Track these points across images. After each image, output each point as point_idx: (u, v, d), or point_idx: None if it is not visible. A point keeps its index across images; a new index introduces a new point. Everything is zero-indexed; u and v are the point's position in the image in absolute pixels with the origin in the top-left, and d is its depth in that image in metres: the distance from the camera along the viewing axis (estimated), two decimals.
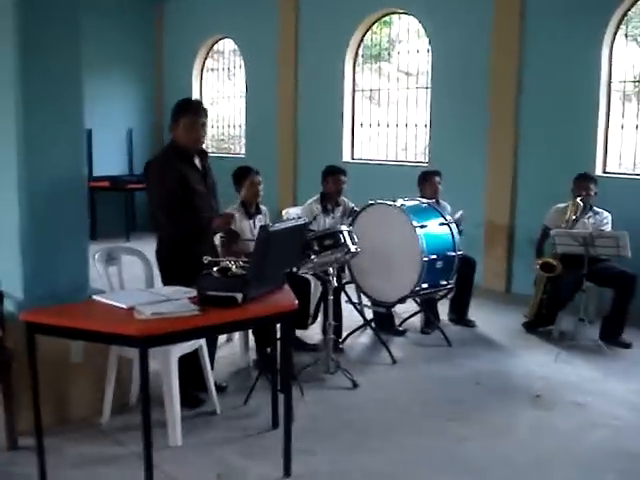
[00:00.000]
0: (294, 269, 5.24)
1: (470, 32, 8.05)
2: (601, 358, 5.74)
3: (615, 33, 7.22)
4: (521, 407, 4.81)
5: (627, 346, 6.05)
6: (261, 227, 3.51)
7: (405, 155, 9.41)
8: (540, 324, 6.44)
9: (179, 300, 3.62)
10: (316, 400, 4.84)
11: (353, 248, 5.12)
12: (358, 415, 4.66)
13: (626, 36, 7.35)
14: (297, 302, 3.75)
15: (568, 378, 5.34)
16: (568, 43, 7.32)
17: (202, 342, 4.47)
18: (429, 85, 8.66)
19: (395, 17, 9.43)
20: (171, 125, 4.59)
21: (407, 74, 9.66)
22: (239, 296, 3.49)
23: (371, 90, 9.68)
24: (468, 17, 8.06)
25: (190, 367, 4.48)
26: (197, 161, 4.65)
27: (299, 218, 4.33)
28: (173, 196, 4.42)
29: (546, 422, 4.58)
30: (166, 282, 4.46)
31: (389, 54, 9.78)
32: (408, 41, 9.31)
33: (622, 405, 4.83)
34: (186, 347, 4.30)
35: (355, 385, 5.07)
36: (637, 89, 7.55)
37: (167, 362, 4.14)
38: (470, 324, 6.64)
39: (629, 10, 7.20)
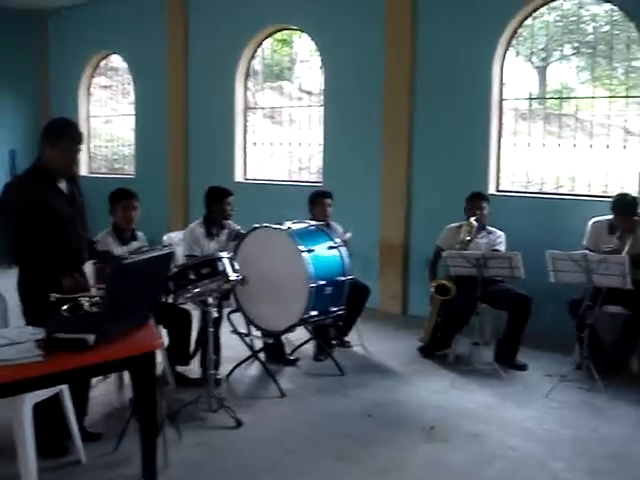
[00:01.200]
0: (172, 300, 4.86)
1: (363, 49, 7.87)
2: (497, 382, 5.56)
3: (506, 51, 7.16)
4: (415, 440, 4.55)
5: (522, 368, 5.92)
6: (114, 259, 3.12)
7: (305, 175, 9.14)
8: (436, 348, 6.24)
9: (25, 343, 3.18)
10: (195, 443, 4.45)
11: (233, 276, 4.76)
12: (240, 459, 4.29)
13: (517, 54, 7.31)
14: (175, 336, 3.36)
15: (464, 405, 5.13)
16: (460, 60, 7.22)
17: (63, 385, 4.01)
18: (322, 103, 8.42)
19: (296, 36, 9.19)
20: (43, 146, 4.07)
21: (307, 93, 9.44)
22: (91, 338, 3.08)
23: (272, 108, 9.38)
24: (360, 33, 7.87)
25: (50, 413, 4.01)
26: (63, 184, 4.19)
27: (167, 246, 3.94)
28: (31, 223, 3.96)
29: (441, 456, 4.33)
30: (29, 320, 3.98)
31: (289, 73, 9.55)
32: (308, 60, 9.10)
33: (519, 434, 4.63)
34: (41, 393, 3.84)
35: (239, 424, 4.69)
36: (530, 107, 7.49)
37: (18, 411, 3.66)
38: (347, 345, 6.44)
39: (518, 29, 7.15)
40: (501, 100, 7.21)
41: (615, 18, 7.07)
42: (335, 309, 5.64)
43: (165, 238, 6.24)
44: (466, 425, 4.77)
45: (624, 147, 6.87)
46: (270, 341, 5.74)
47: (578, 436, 4.62)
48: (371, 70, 7.79)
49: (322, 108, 8.41)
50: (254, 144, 9.36)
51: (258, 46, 9.14)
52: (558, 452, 4.37)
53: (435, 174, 7.47)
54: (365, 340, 6.50)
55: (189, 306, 5.33)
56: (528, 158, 7.30)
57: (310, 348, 6.16)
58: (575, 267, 5.31)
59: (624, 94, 7.16)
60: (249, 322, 5.70)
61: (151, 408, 3.52)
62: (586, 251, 5.52)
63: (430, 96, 7.45)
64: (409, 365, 6.03)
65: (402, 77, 7.54)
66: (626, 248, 5.52)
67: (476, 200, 6.38)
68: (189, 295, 4.67)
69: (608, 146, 6.92)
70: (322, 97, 8.47)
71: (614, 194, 6.20)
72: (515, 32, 7.15)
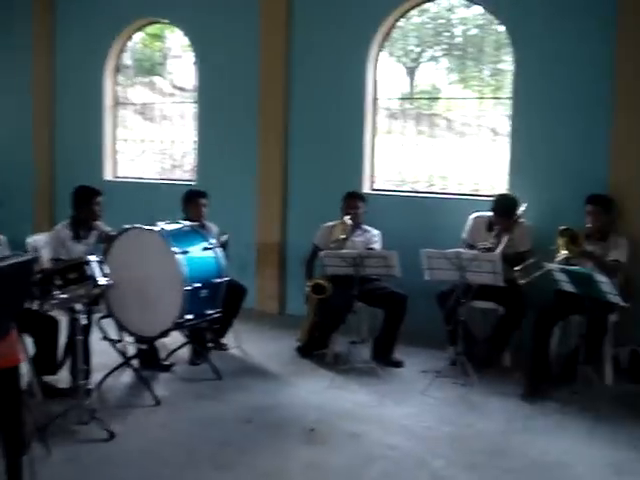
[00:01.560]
0: (38, 307, 4.58)
1: (237, 46, 7.73)
2: (375, 380, 5.59)
3: (379, 51, 7.21)
4: (295, 444, 4.48)
5: (399, 365, 5.98)
6: None
7: (178, 173, 8.88)
8: (314, 348, 6.20)
9: None
10: (65, 459, 4.19)
11: (103, 281, 4.53)
12: (114, 474, 4.08)
13: (389, 55, 7.38)
14: (41, 345, 3.12)
15: (343, 405, 5.11)
16: (335, 59, 7.22)
17: None
18: (196, 100, 8.21)
19: (168, 31, 8.91)
20: None
21: (180, 89, 9.19)
22: None
23: (144, 104, 9.06)
24: (235, 30, 7.73)
25: None
26: None
27: (29, 251, 3.69)
28: None
29: (321, 458, 4.29)
30: None
31: (161, 68, 9.26)
32: (181, 55, 8.85)
33: (398, 432, 4.65)
34: None
35: (112, 436, 4.47)
36: (401, 107, 7.59)
37: None
38: (223, 347, 6.32)
39: (392, 30, 7.22)
40: (375, 100, 7.26)
41: (483, 22, 7.27)
42: (211, 312, 5.49)
43: (29, 240, 5.89)
44: (346, 425, 4.74)
45: (492, 146, 7.06)
46: (143, 347, 5.52)
47: (455, 432, 4.69)
48: (246, 68, 7.67)
49: (196, 105, 8.21)
50: (125, 141, 9.03)
51: (128, 39, 8.82)
52: (437, 449, 4.42)
53: (311, 173, 7.44)
54: (242, 342, 6.40)
55: (56, 313, 5.05)
56: (401, 157, 7.40)
57: (186, 352, 5.97)
58: (449, 265, 5.41)
59: (491, 95, 7.36)
60: (121, 328, 5.45)
61: (15, 424, 3.28)
62: (460, 249, 5.62)
63: (305, 95, 7.41)
64: (287, 366, 5.96)
65: (277, 77, 7.46)
66: (500, 247, 5.67)
67: (351, 199, 6.40)
68: (55, 302, 4.40)
69: (477, 145, 7.10)
70: (195, 94, 8.26)
71: (485, 192, 6.39)
72: (389, 33, 7.22)
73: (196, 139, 8.19)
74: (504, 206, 5.96)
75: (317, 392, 5.36)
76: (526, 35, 6.45)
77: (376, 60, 7.20)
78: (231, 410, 5.00)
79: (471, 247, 5.92)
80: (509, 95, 6.66)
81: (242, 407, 5.04)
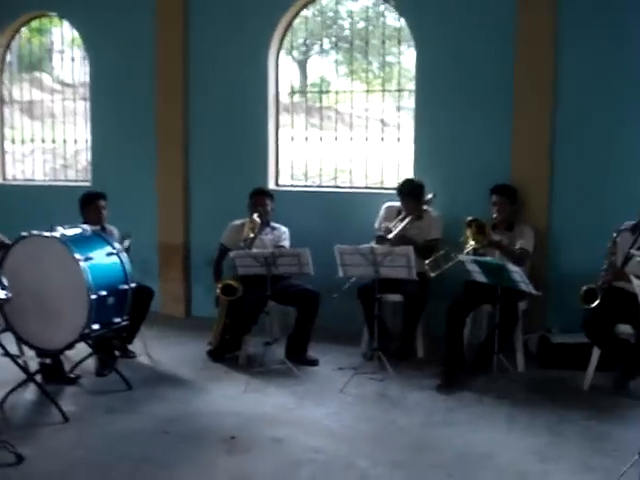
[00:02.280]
0: None
1: (132, 42, 7.39)
2: (292, 381, 5.48)
3: (280, 46, 7.09)
4: (216, 453, 4.31)
5: (314, 363, 5.90)
6: None
7: (71, 173, 8.46)
8: (226, 351, 6.03)
9: None
10: None
11: (1, 294, 4.22)
12: None
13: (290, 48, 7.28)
14: None
15: (262, 409, 4.98)
16: (234, 55, 7.03)
17: None
18: (88, 97, 7.83)
19: (54, 26, 8.45)
20: None
21: (70, 86, 8.75)
22: None
23: (31, 102, 8.58)
24: (129, 25, 7.38)
25: None
26: None
27: None
28: None
29: (245, 467, 4.13)
30: None
31: (47, 64, 8.79)
32: (71, 50, 8.42)
33: (321, 434, 4.55)
34: None
35: (20, 459, 4.15)
36: (291, 100, 7.49)
37: None
38: (131, 355, 6.07)
39: (291, 23, 7.10)
40: (277, 95, 7.13)
41: (370, 14, 7.28)
42: (119, 320, 5.23)
43: None
44: (267, 431, 4.61)
45: (382, 139, 7.06)
46: (47, 361, 5.21)
47: (378, 430, 4.64)
48: (141, 65, 7.36)
49: (87, 102, 7.84)
50: (12, 141, 8.55)
51: (15, 34, 8.31)
52: (362, 449, 4.35)
53: (214, 171, 7.24)
54: (150, 348, 6.14)
55: None
56: (300, 152, 7.31)
57: (91, 363, 5.68)
58: (363, 260, 5.35)
59: (380, 88, 7.36)
60: (21, 342, 5.12)
61: None
62: (373, 244, 5.59)
63: (205, 92, 7.19)
64: (200, 371, 5.77)
65: (174, 73, 7.21)
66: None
67: (259, 196, 6.27)
68: None
69: (367, 138, 7.09)
70: (86, 90, 7.89)
71: (392, 185, 6.40)
72: (289, 26, 7.09)
73: (89, 138, 7.82)
74: (409, 187, 6.09)
75: (233, 397, 5.21)
76: (428, 29, 6.48)
77: (277, 55, 7.07)
78: (146, 422, 4.76)
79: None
80: (398, 88, 6.70)
81: (157, 418, 4.82)
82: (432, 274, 5.59)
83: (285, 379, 5.51)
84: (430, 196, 6.21)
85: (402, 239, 5.76)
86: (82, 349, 5.48)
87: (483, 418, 4.83)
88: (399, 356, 5.82)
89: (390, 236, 5.79)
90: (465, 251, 5.57)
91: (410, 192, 6.08)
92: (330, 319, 6.14)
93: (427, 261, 5.62)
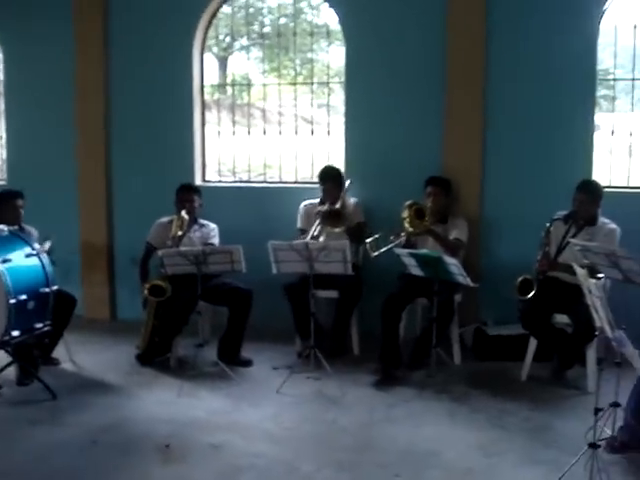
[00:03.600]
0: None
1: (48, 35, 6.99)
2: (226, 383, 5.28)
3: (204, 41, 6.85)
4: (151, 464, 4.09)
5: (248, 364, 5.72)
6: None
7: None
8: (155, 354, 5.77)
9: None
10: None
11: None
12: None
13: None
14: None
15: (196, 415, 4.76)
16: (158, 51, 6.74)
17: None
18: (2, 93, 7.40)
19: None
20: None
21: None
22: None
23: None
24: (45, 19, 6.97)
25: None
26: None
27: None
28: None
29: (182, 478, 3.94)
30: None
31: None
32: None
33: (260, 438, 4.38)
34: None
35: None
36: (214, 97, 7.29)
37: None
38: (54, 362, 5.73)
39: (214, 17, 6.88)
40: (202, 89, 6.90)
41: (290, 11, 7.15)
42: (40, 325, 4.95)
43: None
44: (203, 437, 4.40)
45: (311, 132, 6.92)
46: None
47: (319, 431, 4.50)
48: (60, 59, 6.92)
49: (2, 98, 7.43)
50: None
51: None
52: (304, 452, 4.20)
53: (139, 168, 6.92)
54: (74, 354, 5.83)
55: None
56: (226, 147, 7.10)
57: (12, 372, 5.33)
58: (297, 256, 5.19)
59: (301, 83, 7.24)
60: None
61: None
62: (308, 239, 5.45)
63: (128, 88, 6.86)
64: (129, 377, 5.50)
65: (95, 69, 6.83)
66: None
67: (185, 192, 6.05)
68: None
69: (296, 132, 6.93)
70: (1, 86, 7.47)
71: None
72: (211, 21, 6.87)
73: (4, 134, 7.41)
74: (328, 172, 6.07)
75: (166, 403, 4.97)
76: (357, 22, 6.35)
77: (201, 50, 6.83)
78: (72, 433, 4.48)
79: (303, 232, 5.90)
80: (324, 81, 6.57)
81: (85, 429, 4.54)
82: (373, 254, 5.50)
83: (219, 382, 5.30)
84: (348, 183, 6.11)
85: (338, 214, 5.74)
86: (1, 357, 5.16)
87: (424, 414, 4.75)
88: (333, 353, 5.68)
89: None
90: (402, 234, 5.51)
91: (332, 177, 6.03)
92: (263, 317, 5.97)
93: (368, 240, 5.58)
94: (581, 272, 3.50)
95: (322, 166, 6.26)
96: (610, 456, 4.03)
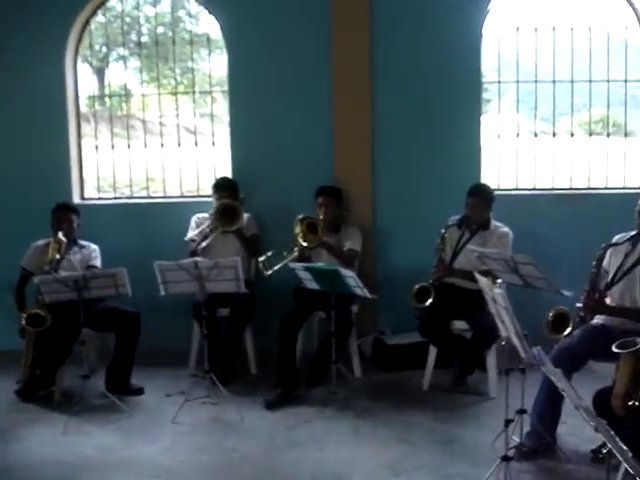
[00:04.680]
0: None
1: None
2: (117, 416, 4.91)
3: (76, 51, 6.45)
4: None
5: (139, 392, 5.38)
6: None
7: None
8: (37, 388, 5.34)
9: None
10: None
11: None
12: None
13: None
14: None
15: (85, 453, 4.40)
16: (28, 63, 6.27)
17: None
18: None
19: None
20: None
21: None
22: None
23: None
24: None
25: None
26: None
27: None
28: None
29: None
30: None
31: None
32: None
33: (156, 475, 4.10)
34: None
35: None
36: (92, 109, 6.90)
37: None
38: None
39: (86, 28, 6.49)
40: (77, 100, 6.49)
41: (168, 19, 6.88)
42: None
43: None
44: (93, 478, 4.07)
45: (195, 144, 6.63)
46: None
47: (219, 461, 4.25)
48: None
49: None
50: None
51: None
52: None
53: (10, 188, 6.39)
54: None
55: None
56: (108, 162, 6.72)
57: None
58: (186, 276, 4.91)
59: (184, 93, 6.99)
60: None
61: None
62: (197, 258, 5.18)
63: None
64: (9, 415, 5.05)
65: None
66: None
67: (62, 212, 5.64)
68: None
69: (179, 144, 6.63)
70: None
71: (208, 193, 6.05)
72: (84, 30, 6.47)
73: None
74: (222, 183, 5.90)
75: (51, 442, 4.57)
76: (240, 28, 6.12)
77: (74, 60, 6.42)
78: None
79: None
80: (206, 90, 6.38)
81: None
82: (267, 273, 5.29)
83: (109, 415, 4.93)
84: (242, 196, 5.89)
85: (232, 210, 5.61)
86: None
87: (328, 434, 4.58)
88: (228, 374, 5.41)
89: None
90: (295, 250, 5.34)
91: (227, 187, 5.83)
92: (153, 341, 5.62)
93: (261, 259, 5.36)
94: (484, 281, 3.40)
95: (209, 178, 6.02)
96: (520, 464, 3.97)
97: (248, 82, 6.14)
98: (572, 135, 6.22)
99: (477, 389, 5.24)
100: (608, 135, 6.42)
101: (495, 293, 3.18)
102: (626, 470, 3.11)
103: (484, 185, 5.54)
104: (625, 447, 2.33)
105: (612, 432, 2.26)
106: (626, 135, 6.40)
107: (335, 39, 5.91)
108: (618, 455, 2.23)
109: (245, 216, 5.89)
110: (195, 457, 4.30)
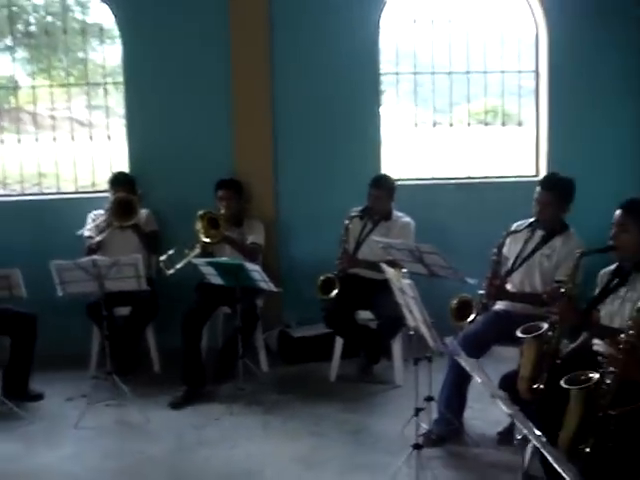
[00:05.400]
0: None
1: None
2: (17, 423, 4.67)
3: None
4: None
5: (38, 397, 5.15)
6: None
7: None
8: None
9: None
10: None
11: None
12: None
13: None
14: None
15: None
16: None
17: None
18: None
19: None
20: None
21: None
22: None
23: None
24: None
25: None
26: None
27: None
28: None
29: None
30: None
31: None
32: None
33: None
34: None
35: None
36: None
37: None
38: None
39: None
40: None
41: (58, 9, 6.61)
42: None
43: None
44: None
45: (90, 138, 6.40)
46: None
47: (127, 465, 4.12)
48: None
49: None
50: None
51: None
52: None
53: None
54: None
55: None
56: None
57: None
58: (85, 275, 4.73)
59: (74, 85, 6.73)
60: None
61: None
62: (95, 256, 5.00)
63: None
64: None
65: None
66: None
67: None
68: None
69: (73, 138, 6.41)
70: None
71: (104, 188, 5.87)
72: None
73: None
74: (118, 178, 5.73)
75: None
76: (135, 18, 5.92)
77: None
78: None
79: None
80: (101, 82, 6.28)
81: None
82: (169, 272, 5.15)
83: (8, 422, 4.69)
84: (140, 192, 5.74)
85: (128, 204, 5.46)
86: None
87: (237, 430, 4.53)
88: (127, 372, 5.25)
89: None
90: (197, 247, 5.24)
91: (124, 182, 5.67)
92: (51, 344, 5.38)
93: (162, 258, 5.21)
94: (391, 272, 3.42)
95: (105, 173, 5.82)
96: (430, 450, 4.03)
97: (144, 74, 5.97)
98: (469, 125, 6.40)
99: (383, 378, 5.30)
100: (503, 124, 6.61)
101: (403, 283, 3.19)
102: (533, 452, 3.25)
103: (386, 176, 5.58)
104: (539, 432, 2.38)
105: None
106: (520, 124, 6.60)
107: (234, 35, 5.81)
108: (534, 440, 2.28)
109: (144, 212, 5.75)
110: (102, 462, 4.17)
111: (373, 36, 5.94)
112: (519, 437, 2.43)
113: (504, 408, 2.58)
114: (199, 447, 4.31)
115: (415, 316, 3.30)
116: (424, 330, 3.30)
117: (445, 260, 4.14)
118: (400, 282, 3.24)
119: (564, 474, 2.22)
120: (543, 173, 6.10)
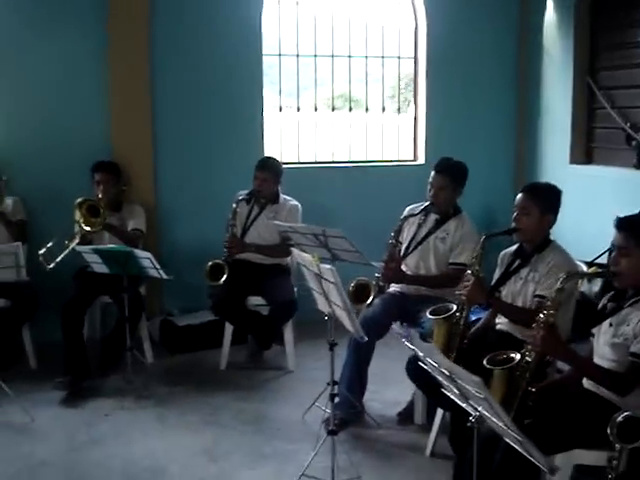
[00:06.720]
0: None
1: None
2: None
3: None
4: None
5: None
6: None
7: None
8: None
9: None
10: None
11: None
12: None
13: None
14: None
15: None
16: None
17: None
18: None
19: None
20: None
21: None
22: None
23: None
24: None
25: None
26: None
27: None
28: None
29: None
30: None
31: None
32: None
33: None
34: None
35: None
36: None
37: None
38: None
39: None
40: None
41: None
42: None
43: None
44: None
45: None
46: None
47: (15, 470, 3.79)
48: None
49: None
50: None
51: None
52: None
53: None
54: None
55: None
56: None
57: None
58: None
59: None
60: None
61: None
62: None
63: None
64: None
65: None
66: None
67: None
68: None
69: None
70: None
71: None
72: None
73: None
74: None
75: None
76: None
77: None
78: None
79: None
80: None
81: None
82: (49, 266, 4.81)
83: None
84: (4, 178, 5.32)
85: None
86: None
87: (132, 425, 4.32)
88: (3, 369, 4.90)
89: None
90: (77, 236, 4.96)
91: None
92: None
93: (41, 252, 4.84)
94: (306, 257, 3.37)
95: None
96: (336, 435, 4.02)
97: (10, 51, 5.51)
98: (316, 110, 6.39)
99: (275, 363, 5.26)
100: (350, 110, 6.58)
101: (323, 269, 3.14)
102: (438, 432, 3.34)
103: (272, 159, 5.48)
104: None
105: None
106: (367, 110, 6.58)
107: (112, 13, 5.52)
108: (496, 421, 2.29)
109: (10, 200, 5.33)
110: None
111: (254, 19, 5.83)
112: (472, 419, 2.41)
113: (478, 394, 2.38)
114: (93, 446, 4.07)
115: (333, 302, 3.26)
116: (343, 316, 3.27)
117: (352, 244, 4.13)
118: (318, 268, 3.18)
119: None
120: (422, 158, 6.25)
